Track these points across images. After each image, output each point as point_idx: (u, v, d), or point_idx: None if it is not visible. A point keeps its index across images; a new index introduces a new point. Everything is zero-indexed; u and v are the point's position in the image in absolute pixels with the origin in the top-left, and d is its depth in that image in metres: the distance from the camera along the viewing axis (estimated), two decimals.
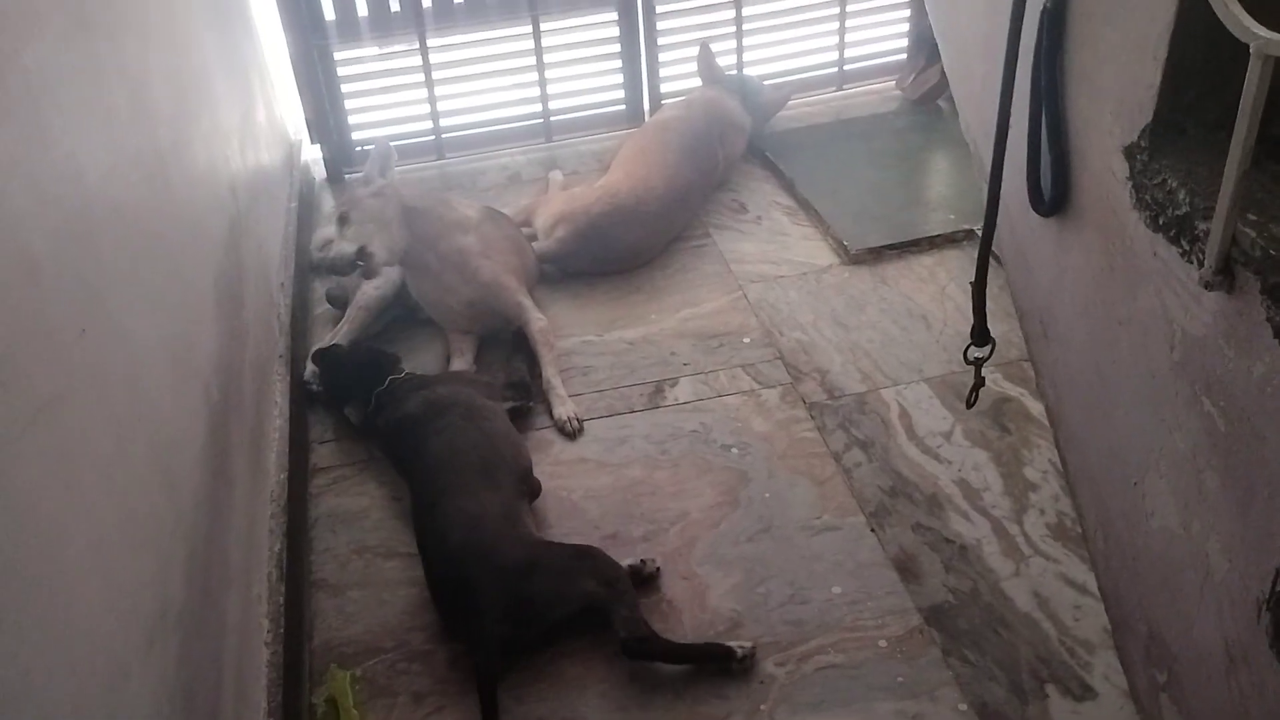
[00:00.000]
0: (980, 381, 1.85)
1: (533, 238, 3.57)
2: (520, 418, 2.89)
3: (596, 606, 2.26)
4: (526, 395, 2.96)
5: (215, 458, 2.06)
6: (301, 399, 3.01)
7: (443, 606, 2.36)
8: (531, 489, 2.64)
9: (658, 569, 2.44)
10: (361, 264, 2.92)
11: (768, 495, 2.66)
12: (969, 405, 1.89)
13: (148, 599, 1.51)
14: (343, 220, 2.96)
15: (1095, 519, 1.64)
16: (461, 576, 2.28)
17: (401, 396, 2.74)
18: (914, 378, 3.01)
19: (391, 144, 3.14)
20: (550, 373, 3.04)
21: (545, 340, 3.12)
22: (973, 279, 1.75)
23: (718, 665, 2.21)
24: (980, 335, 1.78)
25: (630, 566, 2.39)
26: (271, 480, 2.53)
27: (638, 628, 2.21)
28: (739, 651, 2.20)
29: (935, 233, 3.56)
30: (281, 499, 2.49)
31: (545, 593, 2.25)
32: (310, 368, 3.08)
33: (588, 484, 2.75)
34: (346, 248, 2.90)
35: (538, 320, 3.17)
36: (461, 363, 3.13)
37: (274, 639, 2.16)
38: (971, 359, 1.80)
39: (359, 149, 4.27)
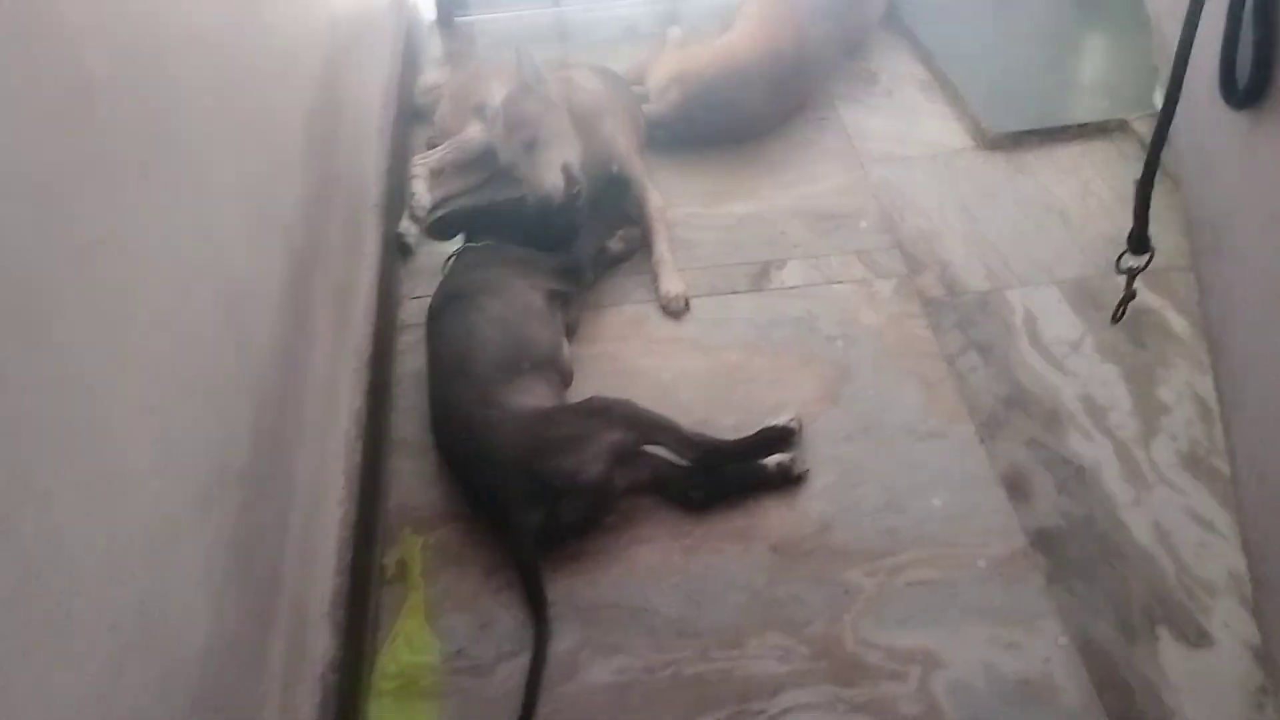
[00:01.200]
0: (1131, 294, 1.62)
1: (644, 98, 3.35)
2: (565, 304, 2.70)
3: (629, 452, 2.20)
4: (576, 282, 2.74)
5: (295, 311, 1.97)
6: (394, 251, 2.91)
7: (471, 501, 2.29)
8: (561, 374, 2.49)
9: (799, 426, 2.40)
10: (575, 190, 2.74)
11: (871, 394, 2.49)
12: (1115, 319, 1.68)
13: (205, 459, 1.43)
14: (529, 146, 2.76)
15: (1250, 462, 1.43)
16: (476, 468, 2.22)
17: (456, 266, 2.67)
18: (1044, 279, 2.76)
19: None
20: (663, 249, 2.88)
21: (660, 217, 2.96)
22: (1137, 176, 1.51)
23: (782, 447, 2.30)
24: (1139, 241, 1.55)
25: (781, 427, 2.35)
26: (357, 334, 2.45)
27: (693, 445, 2.24)
28: (792, 425, 2.34)
29: (1084, 120, 3.24)
30: (365, 354, 2.42)
31: (564, 466, 2.13)
32: (405, 222, 2.96)
33: (682, 365, 2.61)
34: (558, 177, 2.72)
35: (655, 198, 3.00)
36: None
37: (347, 497, 2.10)
38: (1124, 268, 1.57)
39: None
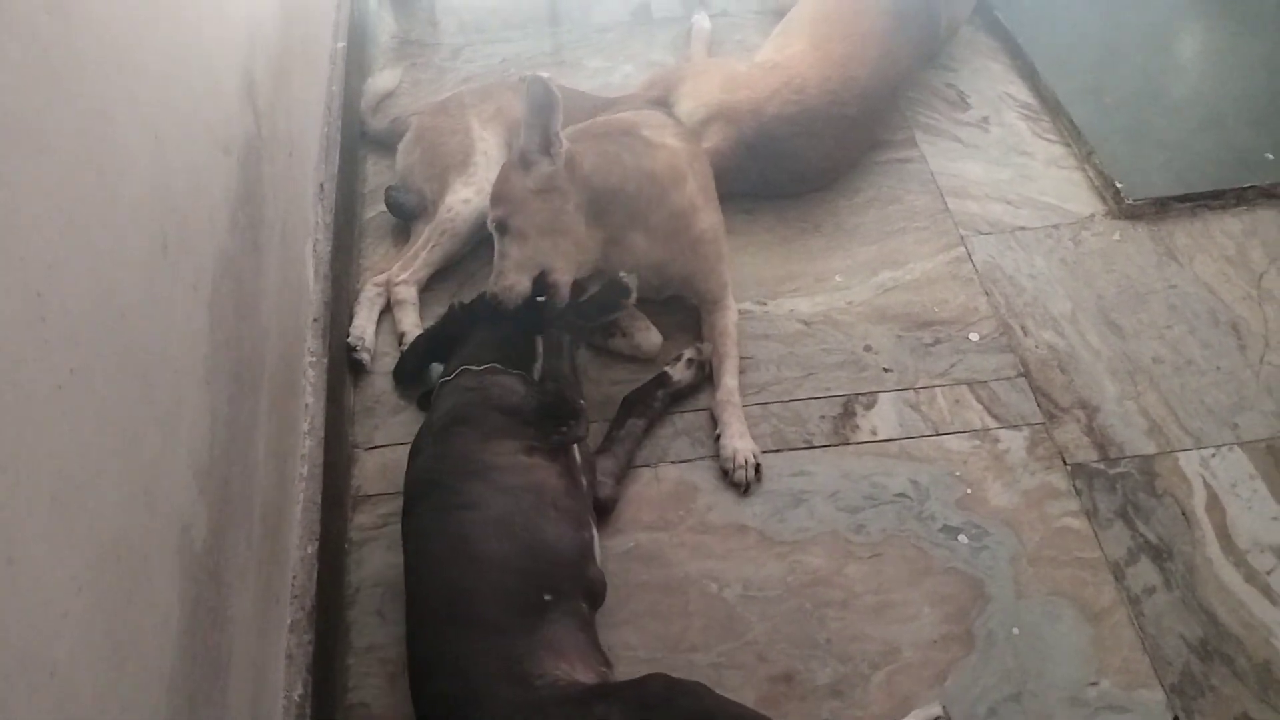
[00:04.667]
0: None
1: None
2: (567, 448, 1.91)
3: None
4: (571, 417, 1.89)
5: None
6: (337, 390, 2.12)
7: None
8: (590, 594, 1.75)
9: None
10: (543, 298, 2.00)
11: (1016, 631, 1.80)
12: None
13: None
14: (501, 230, 2.00)
15: None
16: None
17: (423, 429, 1.92)
18: (1225, 436, 2.06)
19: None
20: (732, 384, 2.12)
21: (733, 336, 2.19)
22: None
23: None
24: None
25: None
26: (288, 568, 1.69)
27: None
28: None
29: (1247, 181, 2.48)
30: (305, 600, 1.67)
31: None
32: (356, 332, 2.17)
33: (747, 573, 1.89)
34: (518, 281, 1.98)
35: (733, 309, 2.23)
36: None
37: None
38: None
39: None
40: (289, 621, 1.64)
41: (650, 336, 2.21)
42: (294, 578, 1.69)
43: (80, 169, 1.06)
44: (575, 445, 1.89)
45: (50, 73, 1.02)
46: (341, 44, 2.66)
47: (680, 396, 2.15)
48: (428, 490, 1.77)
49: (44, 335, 0.93)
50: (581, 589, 1.72)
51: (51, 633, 0.89)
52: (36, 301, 0.93)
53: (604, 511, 1.95)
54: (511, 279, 1.98)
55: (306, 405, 1.92)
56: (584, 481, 1.88)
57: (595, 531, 1.84)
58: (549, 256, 1.99)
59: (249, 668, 1.43)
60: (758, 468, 2.00)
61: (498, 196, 2.02)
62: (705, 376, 2.16)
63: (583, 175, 1.99)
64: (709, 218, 2.19)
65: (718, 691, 1.54)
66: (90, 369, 1.02)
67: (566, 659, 1.60)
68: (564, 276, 2.00)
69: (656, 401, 2.11)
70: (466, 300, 2.16)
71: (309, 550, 1.73)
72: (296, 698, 1.56)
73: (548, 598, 1.65)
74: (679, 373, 2.14)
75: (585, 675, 1.60)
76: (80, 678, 0.94)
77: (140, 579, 1.09)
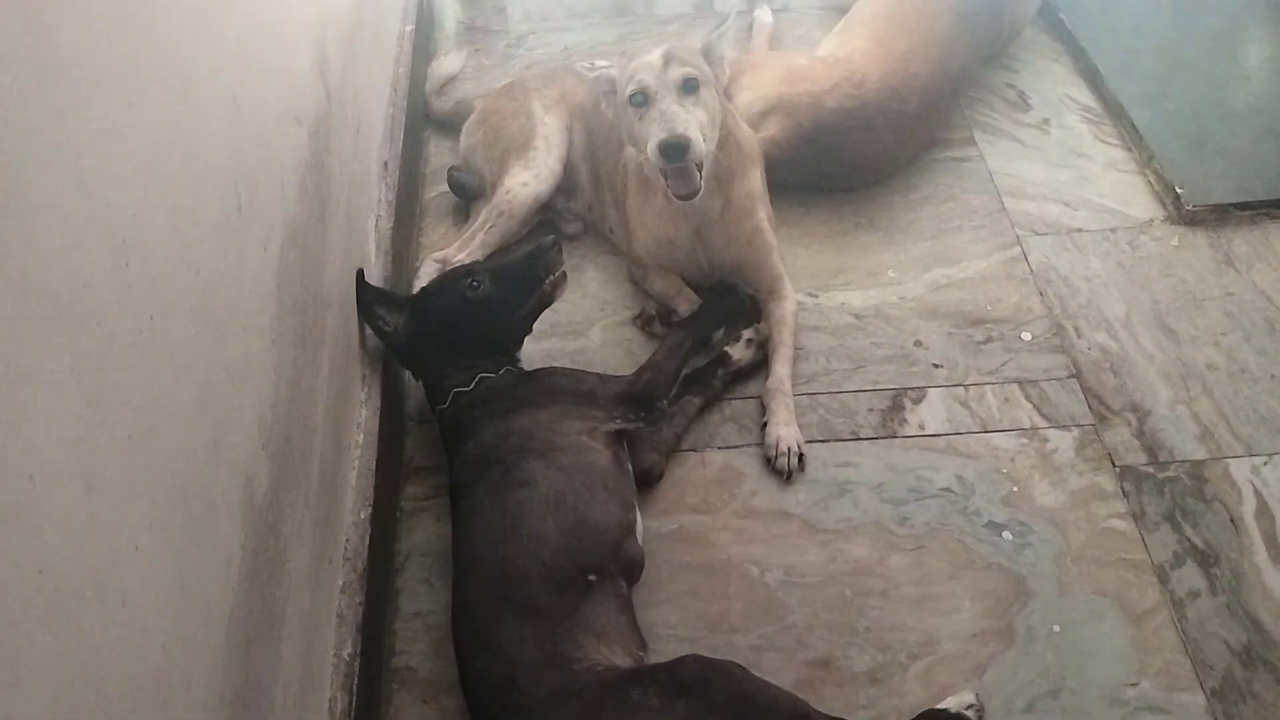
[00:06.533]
0: None
1: None
2: (635, 446, 1.99)
3: None
4: (647, 411, 1.98)
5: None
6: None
7: None
8: (628, 571, 1.78)
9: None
10: (686, 159, 1.99)
11: (1057, 629, 1.80)
12: None
13: None
14: (688, 89, 2.01)
15: None
16: None
17: (480, 415, 1.89)
18: (1278, 445, 2.03)
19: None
20: (784, 372, 2.14)
21: (792, 326, 2.22)
22: None
23: None
24: None
25: None
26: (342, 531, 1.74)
27: None
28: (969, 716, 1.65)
29: None
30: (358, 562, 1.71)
31: None
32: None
33: (789, 559, 1.91)
34: (697, 139, 1.98)
35: (792, 298, 2.25)
36: (687, 306, 2.24)
37: None
38: None
39: None
40: (341, 583, 1.68)
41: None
42: (347, 541, 1.73)
43: (164, 125, 1.10)
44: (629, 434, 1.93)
45: (139, 28, 1.06)
46: (409, 27, 2.72)
47: (740, 376, 2.17)
48: (487, 467, 1.80)
49: (127, 280, 0.98)
50: (621, 564, 1.75)
51: (125, 562, 0.94)
52: (121, 248, 0.97)
53: (647, 483, 1.98)
54: (695, 133, 1.98)
55: (364, 376, 1.97)
56: (629, 467, 1.91)
57: (639, 514, 1.87)
58: (706, 128, 2.03)
59: (302, 622, 1.47)
60: (801, 457, 2.02)
61: (687, 60, 2.03)
62: (763, 358, 2.18)
63: (723, 108, 2.12)
64: (766, 209, 2.26)
65: (755, 673, 1.56)
66: (168, 317, 1.06)
67: (606, 641, 1.63)
68: (700, 157, 2.01)
69: (716, 380, 2.14)
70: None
71: (362, 515, 1.77)
72: (346, 656, 1.60)
73: (592, 578, 1.68)
74: (739, 352, 2.16)
75: (622, 658, 1.62)
76: (149, 609, 0.98)
77: (205, 523, 1.13)
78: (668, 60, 1.99)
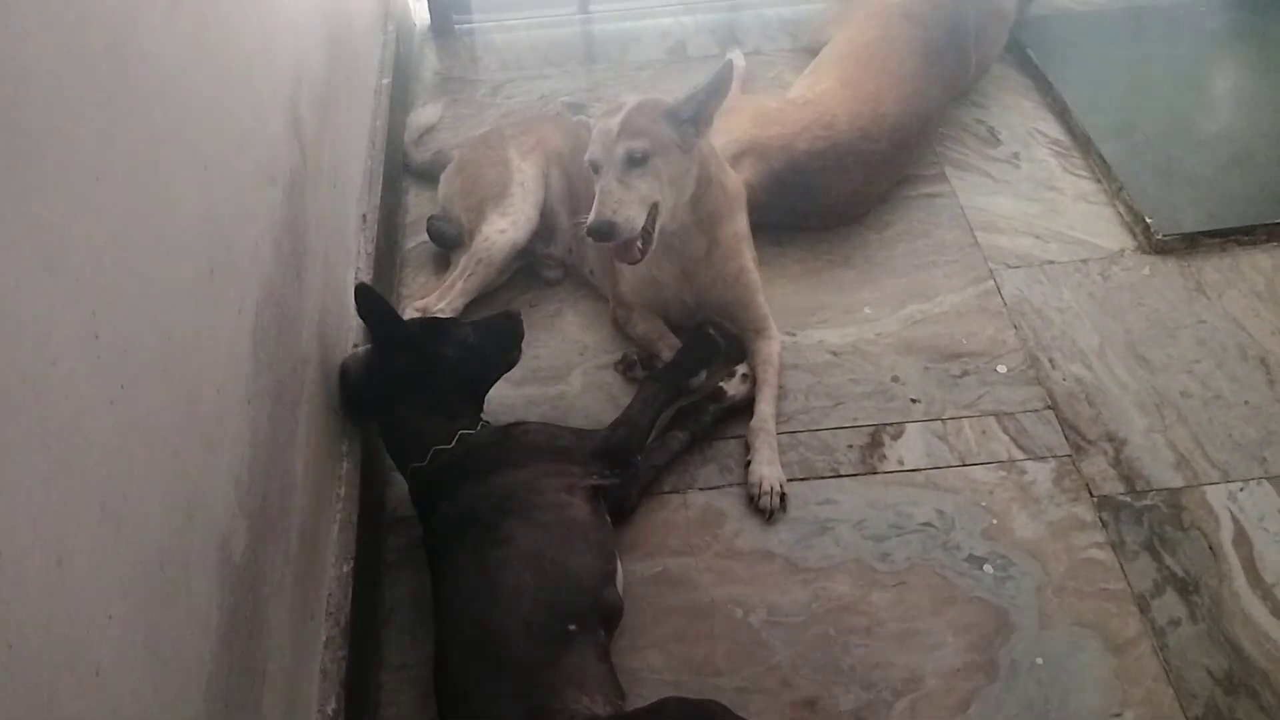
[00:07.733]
0: None
1: None
2: (611, 500, 1.98)
3: None
4: (622, 468, 1.98)
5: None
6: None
7: None
8: (607, 619, 1.78)
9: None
10: (641, 241, 2.04)
11: (1040, 661, 1.80)
12: None
13: None
14: (634, 162, 2.01)
15: None
16: None
17: (458, 475, 1.88)
18: (1253, 470, 2.06)
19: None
20: (768, 411, 2.16)
21: (777, 365, 2.25)
22: None
23: None
24: None
25: None
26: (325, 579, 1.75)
27: None
28: None
29: (1277, 218, 2.49)
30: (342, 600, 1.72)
31: None
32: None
33: (772, 599, 1.91)
34: (639, 215, 2.01)
35: (778, 338, 2.28)
36: (669, 351, 2.25)
37: None
38: None
39: None
40: (324, 637, 1.69)
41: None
42: (329, 595, 1.74)
43: (133, 197, 1.12)
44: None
45: (107, 104, 1.08)
46: (386, 80, 2.75)
47: (731, 413, 2.18)
48: (466, 528, 1.80)
49: (97, 352, 0.99)
50: (601, 613, 1.76)
51: (98, 633, 0.95)
52: (91, 320, 0.99)
53: (620, 515, 1.99)
54: (635, 211, 2.00)
55: (344, 429, 1.98)
56: (607, 518, 1.92)
57: (620, 563, 1.87)
58: (664, 204, 2.06)
59: (284, 680, 1.47)
60: (783, 496, 2.03)
61: (640, 130, 2.02)
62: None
63: (704, 158, 2.12)
64: (751, 251, 2.30)
65: (738, 714, 1.57)
66: (140, 386, 1.08)
67: (586, 690, 1.63)
68: (663, 226, 2.07)
69: (707, 416, 2.15)
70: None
71: (345, 569, 1.78)
72: (330, 711, 1.60)
73: (572, 628, 1.68)
74: (734, 387, 2.19)
75: (602, 706, 1.62)
76: (124, 678, 0.99)
77: (181, 587, 1.14)
78: (621, 130, 2.01)
